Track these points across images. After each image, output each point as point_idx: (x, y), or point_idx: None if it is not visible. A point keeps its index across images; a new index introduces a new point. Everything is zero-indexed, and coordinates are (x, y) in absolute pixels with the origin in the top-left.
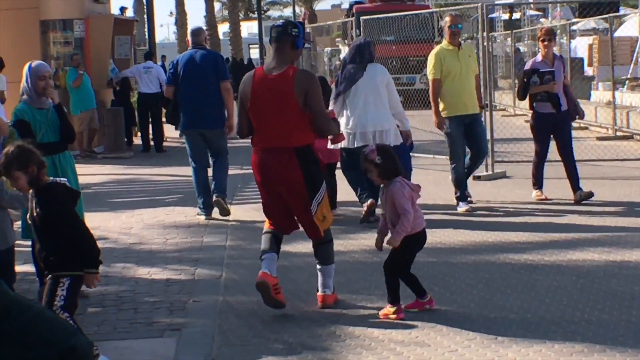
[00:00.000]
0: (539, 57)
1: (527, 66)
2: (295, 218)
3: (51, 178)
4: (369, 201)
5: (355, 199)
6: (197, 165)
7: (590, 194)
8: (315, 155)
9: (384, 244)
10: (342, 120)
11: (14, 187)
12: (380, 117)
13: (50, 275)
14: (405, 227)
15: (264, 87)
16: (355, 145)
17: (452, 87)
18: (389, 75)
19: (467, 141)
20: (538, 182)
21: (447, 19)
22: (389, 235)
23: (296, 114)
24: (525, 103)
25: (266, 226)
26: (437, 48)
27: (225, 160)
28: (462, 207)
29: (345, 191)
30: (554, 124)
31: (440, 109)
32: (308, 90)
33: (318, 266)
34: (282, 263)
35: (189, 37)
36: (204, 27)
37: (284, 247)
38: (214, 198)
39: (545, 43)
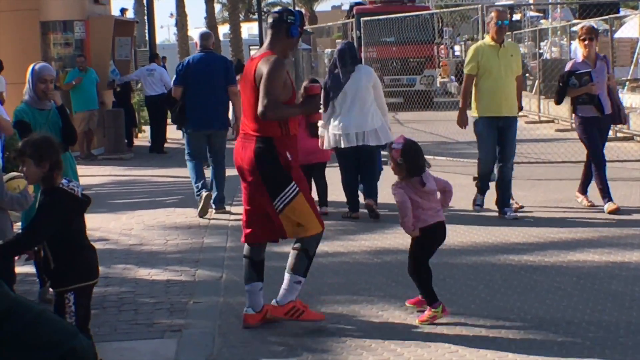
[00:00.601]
0: (580, 58)
1: (567, 67)
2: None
3: (65, 181)
4: (354, 214)
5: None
6: (196, 161)
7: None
8: (278, 151)
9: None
10: (332, 123)
11: (18, 185)
12: (363, 119)
13: (54, 290)
14: (403, 217)
15: (244, 73)
16: (342, 146)
17: (487, 86)
18: (375, 76)
19: (498, 145)
20: (605, 192)
21: (493, 14)
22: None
23: (256, 100)
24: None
25: (245, 248)
26: (478, 42)
27: (224, 168)
28: (476, 207)
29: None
30: (598, 129)
31: (473, 107)
32: (263, 73)
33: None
34: (282, 264)
35: (197, 41)
36: (205, 28)
37: (284, 248)
38: (207, 193)
39: (586, 42)
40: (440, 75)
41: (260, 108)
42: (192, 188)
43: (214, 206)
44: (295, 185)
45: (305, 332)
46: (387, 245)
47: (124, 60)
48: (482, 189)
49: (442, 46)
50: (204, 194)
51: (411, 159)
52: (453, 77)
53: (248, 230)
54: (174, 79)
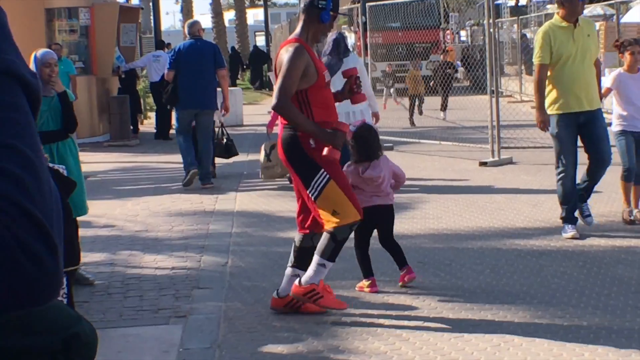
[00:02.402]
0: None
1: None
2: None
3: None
4: None
5: None
6: (185, 136)
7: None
8: (300, 140)
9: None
10: None
11: None
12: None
13: None
14: None
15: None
16: None
17: (562, 76)
18: (361, 62)
19: (584, 145)
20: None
21: None
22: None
23: None
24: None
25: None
26: (546, 25)
27: (211, 145)
28: (568, 233)
29: None
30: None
31: (546, 104)
32: (282, 62)
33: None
34: (288, 250)
35: (185, 29)
36: (210, 15)
37: (290, 234)
38: (194, 170)
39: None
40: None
41: (273, 100)
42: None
43: (200, 182)
44: (325, 172)
45: (310, 317)
46: (394, 230)
47: (129, 47)
48: (568, 216)
49: (448, 31)
50: (192, 170)
51: (361, 144)
52: (459, 63)
53: (298, 219)
54: (168, 63)
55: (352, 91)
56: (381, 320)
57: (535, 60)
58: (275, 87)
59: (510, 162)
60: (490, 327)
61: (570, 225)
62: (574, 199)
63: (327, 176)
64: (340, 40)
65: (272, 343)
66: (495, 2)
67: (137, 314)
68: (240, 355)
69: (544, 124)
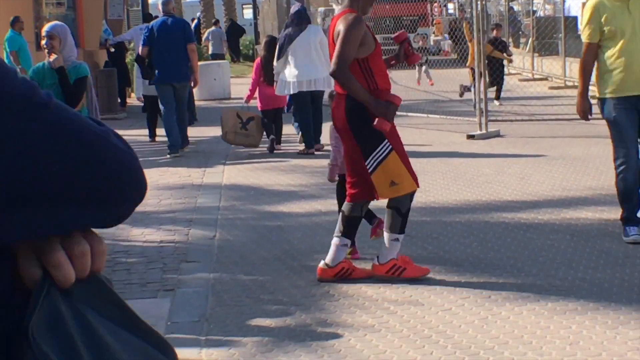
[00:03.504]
0: None
1: None
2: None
3: None
4: (311, 149)
5: None
6: (167, 108)
7: None
8: (365, 108)
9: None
10: (286, 72)
11: None
12: (314, 68)
13: None
14: (332, 161)
15: (328, 31)
16: (294, 91)
17: (617, 55)
18: (323, 34)
19: None
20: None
21: None
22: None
23: None
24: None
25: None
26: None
27: (186, 115)
28: (630, 236)
29: None
30: None
31: (601, 87)
32: (340, 31)
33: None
34: (276, 223)
35: (159, 6)
36: None
37: (278, 207)
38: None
39: None
40: (433, 33)
41: (331, 66)
42: (186, 149)
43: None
44: (388, 143)
45: (299, 291)
46: (382, 204)
47: (116, 20)
48: (630, 217)
49: (435, 4)
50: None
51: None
52: (446, 35)
53: (350, 190)
54: (142, 40)
55: (407, 54)
56: (369, 293)
57: (584, 38)
58: (334, 54)
59: (497, 135)
60: (478, 300)
61: (633, 228)
62: (636, 196)
63: (390, 147)
64: (302, 12)
65: (260, 316)
66: None
67: (125, 287)
68: (228, 329)
69: (584, 113)
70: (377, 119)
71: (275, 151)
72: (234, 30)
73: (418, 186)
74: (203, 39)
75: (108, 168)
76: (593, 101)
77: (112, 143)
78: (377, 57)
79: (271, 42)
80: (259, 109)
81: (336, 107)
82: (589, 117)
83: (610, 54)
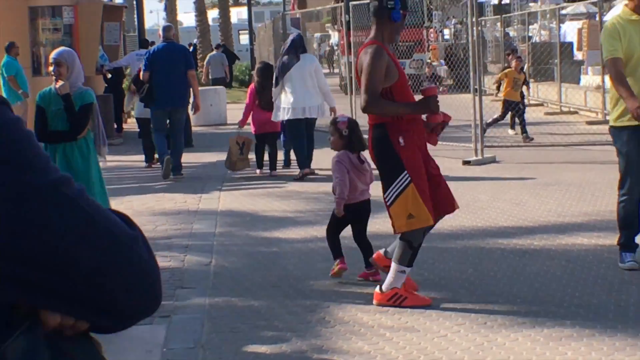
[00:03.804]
0: None
1: None
2: None
3: None
4: (306, 170)
5: None
6: (159, 132)
7: None
8: (390, 138)
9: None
10: (282, 99)
11: None
12: (308, 96)
13: None
14: (339, 194)
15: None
16: (289, 118)
17: (634, 80)
18: (318, 63)
19: None
20: None
21: None
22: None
23: None
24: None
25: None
26: (613, 18)
27: (181, 140)
28: (626, 263)
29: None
30: None
31: (617, 115)
32: (363, 65)
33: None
34: (272, 249)
35: (160, 32)
36: (194, 13)
37: (274, 233)
38: (167, 157)
39: None
40: (429, 59)
41: (361, 103)
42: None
43: (172, 174)
44: (407, 174)
45: (294, 317)
46: (376, 230)
47: (112, 46)
48: (627, 244)
49: (431, 30)
50: (166, 157)
51: (357, 132)
52: (442, 61)
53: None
54: (142, 65)
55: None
56: (365, 320)
57: (606, 54)
58: (362, 90)
59: (493, 161)
60: (474, 326)
61: (629, 254)
62: (636, 224)
63: (409, 179)
64: (297, 40)
65: (256, 343)
66: (479, 0)
67: None
68: (223, 355)
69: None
70: (427, 118)
71: (271, 175)
72: (227, 56)
73: (434, 222)
74: (205, 63)
75: (129, 281)
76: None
77: (138, 253)
78: (401, 88)
79: (265, 68)
80: (253, 133)
81: (369, 138)
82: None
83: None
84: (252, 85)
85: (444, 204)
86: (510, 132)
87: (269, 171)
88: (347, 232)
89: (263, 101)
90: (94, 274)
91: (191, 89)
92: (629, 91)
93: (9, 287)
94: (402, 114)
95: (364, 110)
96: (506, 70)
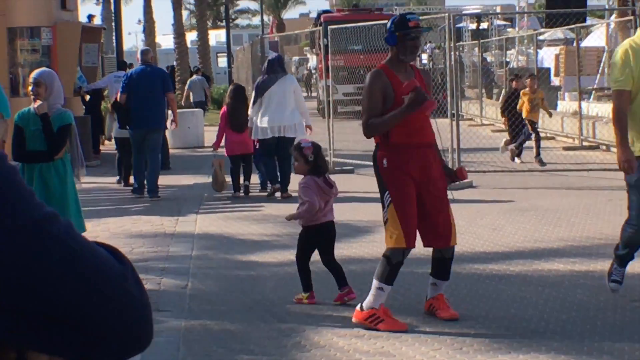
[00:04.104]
0: None
1: None
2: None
3: None
4: (276, 185)
5: None
6: (139, 153)
7: None
8: (377, 158)
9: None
10: (258, 117)
11: None
12: (285, 116)
13: None
14: (302, 213)
15: None
16: (268, 136)
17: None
18: (297, 84)
19: None
20: None
21: None
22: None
23: None
24: (492, 112)
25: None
26: (626, 42)
27: (158, 160)
28: (610, 284)
29: None
30: None
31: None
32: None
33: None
34: (249, 273)
35: (138, 56)
36: (173, 36)
37: (250, 257)
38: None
39: None
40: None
41: (362, 127)
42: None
43: (148, 195)
44: (389, 195)
45: (270, 341)
46: (352, 254)
47: (91, 67)
48: (622, 258)
49: None
50: (136, 196)
51: (321, 157)
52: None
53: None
54: (120, 87)
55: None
56: (340, 344)
57: (613, 84)
58: (361, 114)
59: (470, 186)
60: (450, 351)
61: (620, 269)
62: (634, 252)
63: (390, 199)
64: (275, 61)
65: None
66: (457, 26)
67: None
68: None
69: (628, 163)
70: (422, 110)
71: (248, 195)
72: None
73: (410, 245)
74: (186, 87)
75: (118, 319)
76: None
77: (127, 290)
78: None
79: (236, 90)
80: (226, 154)
81: None
82: (635, 167)
83: (638, 107)
84: (224, 108)
85: (432, 235)
86: (517, 160)
87: (244, 193)
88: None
89: (234, 123)
90: (81, 312)
91: (169, 111)
92: (623, 136)
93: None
94: (395, 121)
95: (365, 134)
96: (522, 91)
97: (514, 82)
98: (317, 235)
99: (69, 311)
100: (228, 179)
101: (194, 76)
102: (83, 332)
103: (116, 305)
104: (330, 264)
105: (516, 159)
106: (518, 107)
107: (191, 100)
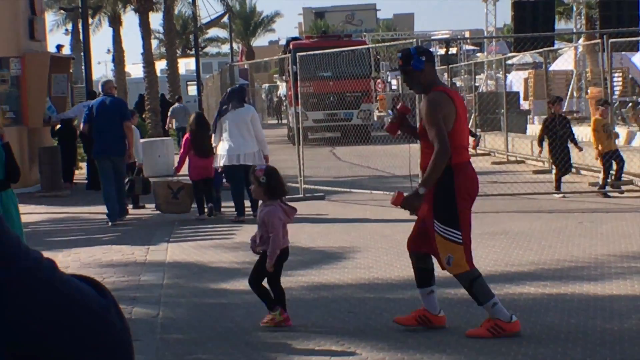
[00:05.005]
0: None
1: None
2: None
3: None
4: (241, 217)
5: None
6: (106, 181)
7: None
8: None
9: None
10: (219, 146)
11: None
12: (244, 143)
13: None
14: (274, 248)
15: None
16: (227, 164)
17: None
18: (254, 113)
19: None
20: None
21: None
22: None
23: None
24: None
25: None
26: None
27: (123, 184)
28: None
29: None
30: None
31: None
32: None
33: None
34: (220, 301)
35: (99, 87)
36: (142, 64)
37: (221, 285)
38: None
39: None
40: (377, 109)
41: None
42: (129, 226)
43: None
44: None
45: None
46: (324, 281)
47: (60, 97)
48: None
49: (378, 80)
50: (110, 223)
51: (275, 180)
52: (390, 112)
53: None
54: (82, 118)
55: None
56: None
57: None
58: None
59: None
60: None
61: None
62: None
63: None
64: (236, 91)
65: None
66: None
67: None
68: None
69: None
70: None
71: (212, 216)
72: (164, 105)
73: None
74: (169, 114)
75: (105, 350)
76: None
77: (111, 322)
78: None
79: (197, 118)
80: (190, 179)
81: None
82: None
83: None
84: (187, 134)
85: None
86: (555, 196)
87: (207, 215)
88: (296, 282)
89: (199, 149)
90: (71, 347)
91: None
92: None
93: None
94: None
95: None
96: (594, 120)
97: (553, 106)
98: (279, 259)
99: (61, 346)
100: (179, 202)
101: (176, 104)
102: None
103: (101, 337)
104: (278, 287)
105: (555, 195)
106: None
107: (173, 127)
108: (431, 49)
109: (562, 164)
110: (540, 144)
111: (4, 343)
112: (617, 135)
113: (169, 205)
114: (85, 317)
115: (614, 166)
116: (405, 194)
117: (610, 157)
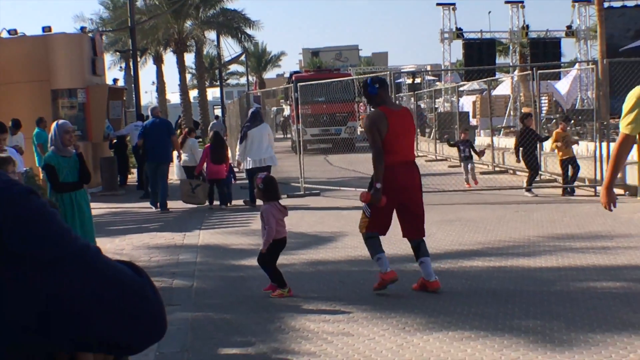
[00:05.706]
0: None
1: None
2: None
3: None
4: (252, 204)
5: None
6: (153, 180)
7: None
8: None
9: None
10: (247, 153)
11: None
12: (263, 152)
13: None
14: (267, 240)
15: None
16: (250, 167)
17: None
18: (269, 129)
19: None
20: None
21: None
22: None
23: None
24: (425, 147)
25: (366, 231)
26: (638, 88)
27: (166, 184)
28: None
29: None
30: None
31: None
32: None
33: (421, 259)
34: (240, 274)
35: (149, 112)
36: (179, 93)
37: (241, 262)
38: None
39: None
40: (360, 126)
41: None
42: (170, 217)
43: (160, 209)
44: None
45: (257, 326)
46: (320, 258)
47: (116, 119)
48: None
49: (361, 103)
50: (155, 209)
51: (271, 186)
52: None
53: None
54: (134, 135)
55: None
56: (312, 327)
57: (622, 127)
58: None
59: None
60: (395, 330)
61: None
62: None
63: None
64: (256, 112)
65: (228, 347)
66: (396, 81)
67: None
68: (203, 357)
69: (609, 205)
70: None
71: (224, 206)
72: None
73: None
74: (209, 129)
75: (143, 321)
76: (492, 176)
77: (147, 297)
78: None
79: (216, 135)
80: (207, 178)
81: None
82: (614, 207)
83: None
84: (208, 145)
85: (408, 229)
86: (527, 194)
87: (219, 205)
88: (298, 259)
89: (215, 158)
90: (114, 320)
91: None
92: (612, 181)
93: (55, 341)
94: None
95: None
96: (556, 132)
97: (524, 121)
98: (276, 245)
99: (106, 320)
100: (195, 195)
101: (214, 121)
102: (117, 333)
103: (140, 310)
104: (273, 268)
105: (527, 193)
106: (550, 148)
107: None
108: (401, 79)
109: (534, 167)
110: (517, 153)
111: (52, 312)
112: (576, 142)
113: (188, 198)
114: (125, 292)
115: (570, 171)
116: (371, 192)
117: (568, 163)
